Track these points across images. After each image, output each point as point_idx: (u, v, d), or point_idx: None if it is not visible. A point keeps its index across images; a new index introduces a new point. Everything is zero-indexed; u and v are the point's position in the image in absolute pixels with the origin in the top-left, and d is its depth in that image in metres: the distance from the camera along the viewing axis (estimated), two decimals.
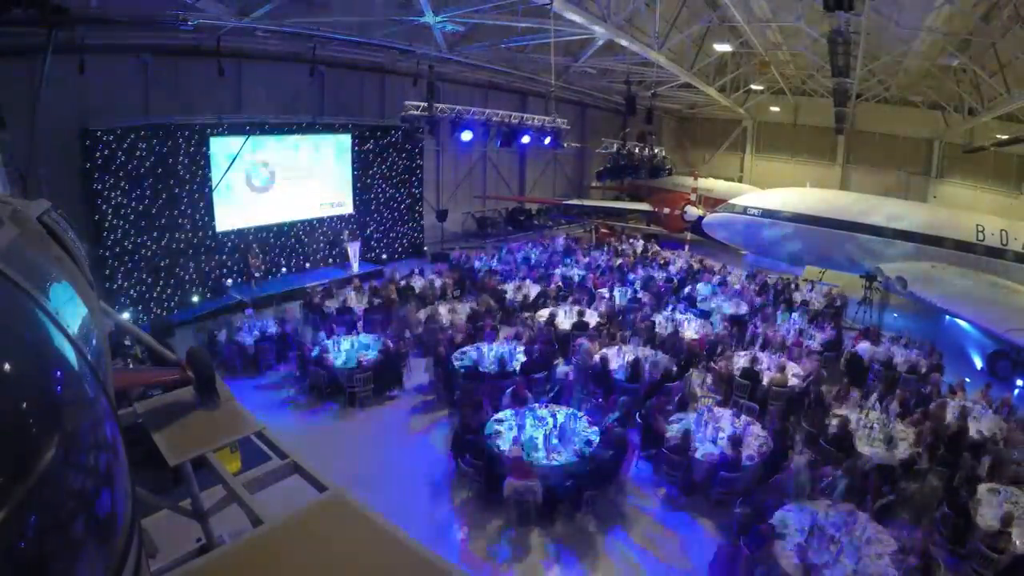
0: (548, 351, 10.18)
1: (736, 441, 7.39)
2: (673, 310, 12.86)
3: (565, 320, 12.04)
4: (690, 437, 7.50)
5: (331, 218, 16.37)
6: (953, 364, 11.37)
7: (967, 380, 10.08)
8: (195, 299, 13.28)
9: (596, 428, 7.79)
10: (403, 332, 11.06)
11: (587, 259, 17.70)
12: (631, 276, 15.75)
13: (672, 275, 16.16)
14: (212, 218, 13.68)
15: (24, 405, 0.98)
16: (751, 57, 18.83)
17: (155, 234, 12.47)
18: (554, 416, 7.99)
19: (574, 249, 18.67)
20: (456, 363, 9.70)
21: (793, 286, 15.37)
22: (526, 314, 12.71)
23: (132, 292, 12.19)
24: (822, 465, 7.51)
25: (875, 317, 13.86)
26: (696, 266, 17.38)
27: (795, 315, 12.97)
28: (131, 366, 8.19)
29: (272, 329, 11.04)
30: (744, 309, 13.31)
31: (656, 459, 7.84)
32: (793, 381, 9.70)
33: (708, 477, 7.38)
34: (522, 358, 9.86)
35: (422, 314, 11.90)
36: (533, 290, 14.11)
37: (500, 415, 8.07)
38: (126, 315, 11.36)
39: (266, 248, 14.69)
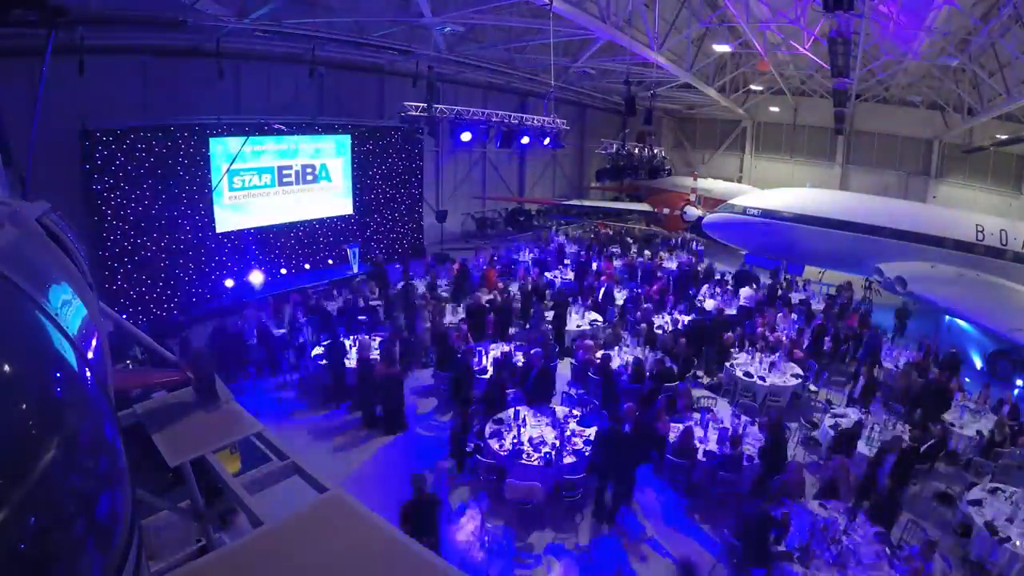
0: (549, 351, 10.17)
1: (735, 440, 7.37)
2: (673, 311, 12.87)
3: (566, 321, 12.05)
4: (691, 435, 7.50)
5: (331, 219, 16.37)
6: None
7: (967, 380, 10.09)
8: (195, 299, 13.28)
9: (594, 429, 7.79)
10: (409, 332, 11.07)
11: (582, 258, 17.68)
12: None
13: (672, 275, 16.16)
14: (212, 219, 13.67)
15: (24, 406, 0.98)
16: (751, 57, 18.84)
17: (155, 235, 12.45)
18: (553, 416, 8.00)
19: (568, 253, 18.56)
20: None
21: (788, 284, 15.42)
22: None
23: (132, 293, 12.19)
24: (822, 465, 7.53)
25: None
26: (700, 265, 17.41)
27: (794, 315, 12.99)
28: (131, 367, 8.19)
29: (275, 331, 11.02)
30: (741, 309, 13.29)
31: (657, 461, 7.84)
32: (792, 381, 9.73)
33: (708, 477, 7.38)
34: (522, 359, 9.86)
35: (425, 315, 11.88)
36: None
37: (500, 415, 8.07)
38: (126, 316, 11.36)
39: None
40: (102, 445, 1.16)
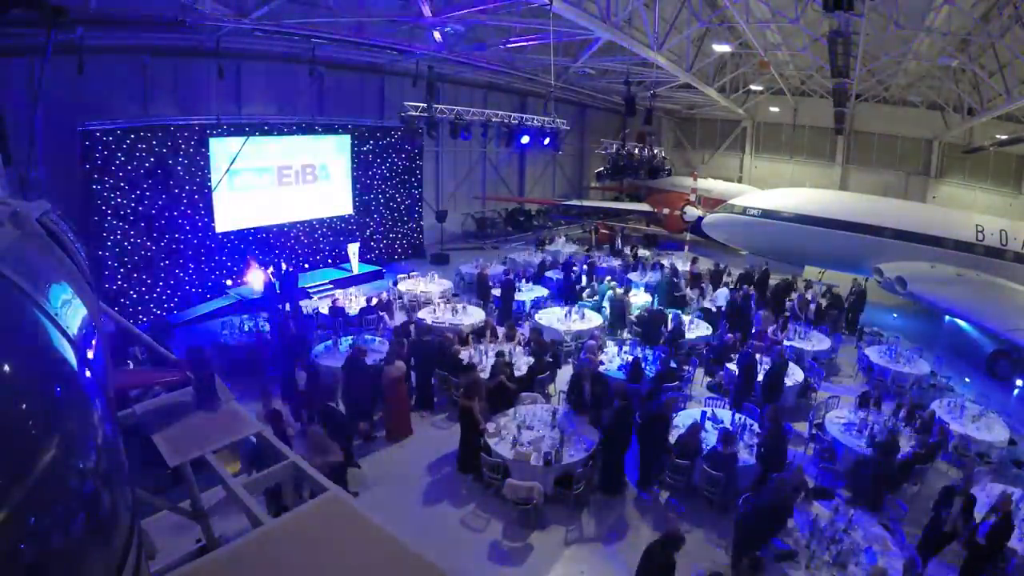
0: (549, 352, 10.17)
1: (729, 438, 7.31)
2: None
3: (567, 322, 12.05)
4: (697, 430, 7.51)
5: (331, 219, 16.38)
6: (953, 364, 11.36)
7: (967, 380, 10.08)
8: (194, 299, 13.29)
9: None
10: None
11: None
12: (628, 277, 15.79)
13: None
14: (212, 218, 13.68)
15: (24, 406, 0.98)
16: (750, 57, 18.84)
17: (155, 234, 12.47)
18: (554, 415, 8.00)
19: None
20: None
21: (790, 284, 15.42)
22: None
23: (132, 293, 12.20)
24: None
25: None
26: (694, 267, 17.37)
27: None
28: (131, 367, 8.18)
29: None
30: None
31: (658, 463, 7.83)
32: (792, 381, 9.73)
33: (705, 477, 7.37)
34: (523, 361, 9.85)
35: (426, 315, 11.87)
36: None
37: (498, 417, 8.06)
38: (126, 316, 11.36)
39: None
40: (102, 445, 1.16)
